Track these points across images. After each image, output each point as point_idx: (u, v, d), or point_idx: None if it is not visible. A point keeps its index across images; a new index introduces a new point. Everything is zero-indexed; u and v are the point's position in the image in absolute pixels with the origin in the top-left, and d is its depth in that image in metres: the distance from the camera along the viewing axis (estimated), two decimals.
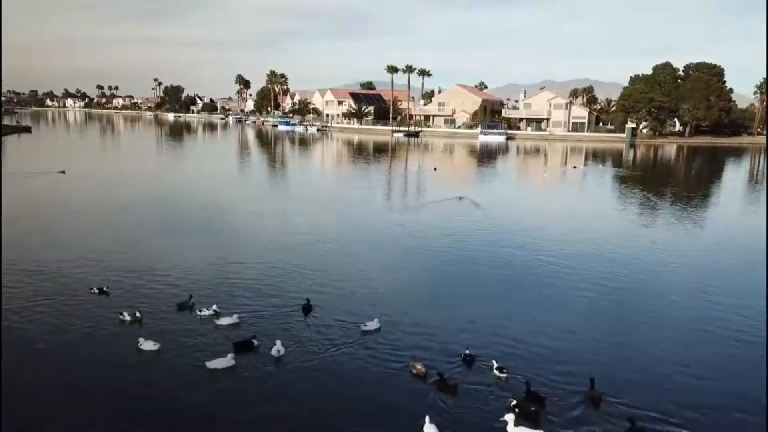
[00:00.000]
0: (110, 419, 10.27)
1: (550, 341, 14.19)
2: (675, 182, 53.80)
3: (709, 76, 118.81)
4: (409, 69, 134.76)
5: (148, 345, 12.59)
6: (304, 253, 21.68)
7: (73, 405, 10.70)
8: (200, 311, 14.57)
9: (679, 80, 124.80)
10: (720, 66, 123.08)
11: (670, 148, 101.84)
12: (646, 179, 54.59)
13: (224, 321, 14.06)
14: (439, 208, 33.54)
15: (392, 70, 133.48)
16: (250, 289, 16.90)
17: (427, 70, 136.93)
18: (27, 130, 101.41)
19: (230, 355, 12.01)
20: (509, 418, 9.93)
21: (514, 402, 10.67)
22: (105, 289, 15.91)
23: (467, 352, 12.87)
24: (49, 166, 45.28)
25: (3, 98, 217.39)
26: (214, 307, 14.63)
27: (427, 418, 10.14)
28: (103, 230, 24.51)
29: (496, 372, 12.07)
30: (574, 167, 63.75)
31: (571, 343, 14.22)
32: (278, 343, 12.62)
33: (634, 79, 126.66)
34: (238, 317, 14.27)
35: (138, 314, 14.14)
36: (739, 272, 21.31)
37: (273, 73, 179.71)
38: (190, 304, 15.13)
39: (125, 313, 14.09)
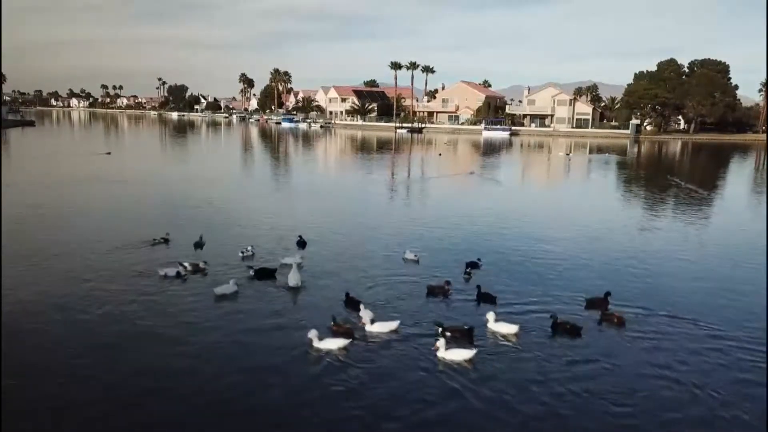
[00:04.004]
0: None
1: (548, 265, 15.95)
2: (673, 168, 54.14)
3: (714, 73, 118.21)
4: (413, 66, 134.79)
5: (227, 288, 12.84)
6: (325, 208, 24.61)
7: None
8: (242, 252, 15.76)
9: (683, 77, 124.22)
10: (725, 62, 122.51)
11: (674, 144, 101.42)
12: (647, 164, 55.33)
13: (288, 260, 14.82)
14: (450, 180, 37.07)
15: (396, 66, 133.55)
16: (290, 237, 18.18)
17: (430, 67, 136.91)
18: (31, 123, 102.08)
19: (232, 281, 12.83)
20: (441, 343, 10.00)
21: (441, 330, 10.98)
22: (167, 236, 17.16)
23: (478, 259, 15.24)
24: (96, 149, 52.47)
25: (8, 98, 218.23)
26: (249, 247, 16.04)
27: (361, 306, 11.52)
28: (153, 197, 27.00)
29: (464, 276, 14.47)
30: (568, 155, 66.48)
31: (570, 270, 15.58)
32: (291, 277, 13.44)
33: (639, 76, 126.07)
34: (300, 257, 15.27)
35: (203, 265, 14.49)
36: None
37: (276, 71, 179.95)
38: (203, 242, 16.71)
39: (186, 264, 14.24)
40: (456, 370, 9.50)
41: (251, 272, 13.89)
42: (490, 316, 11.23)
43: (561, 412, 8.39)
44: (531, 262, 16.23)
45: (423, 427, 7.97)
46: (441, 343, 9.93)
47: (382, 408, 8.38)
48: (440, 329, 10.73)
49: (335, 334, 10.58)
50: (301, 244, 17.04)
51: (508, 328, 10.95)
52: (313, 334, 10.18)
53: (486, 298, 12.59)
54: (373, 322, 11.07)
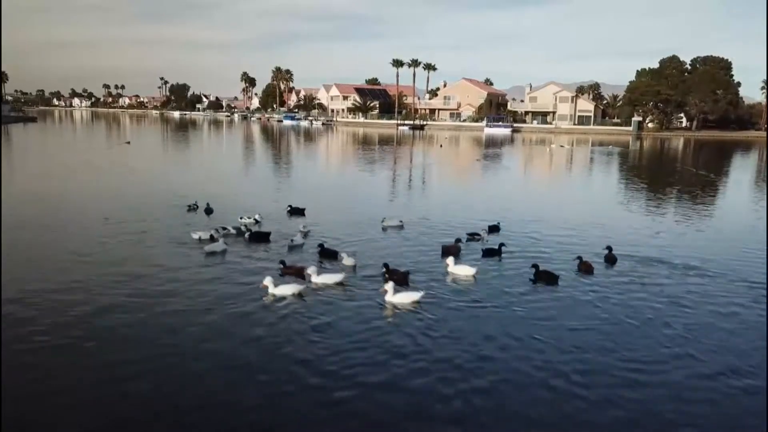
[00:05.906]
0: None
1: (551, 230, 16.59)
2: (677, 160, 54.19)
3: (717, 70, 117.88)
4: (415, 63, 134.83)
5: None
6: (328, 188, 26.48)
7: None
8: (241, 218, 16.52)
9: (685, 74, 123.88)
10: (727, 59, 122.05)
11: (676, 141, 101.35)
12: (651, 157, 56.35)
13: (300, 227, 15.84)
14: (457, 167, 39.38)
15: (398, 64, 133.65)
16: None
17: (432, 65, 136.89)
18: (33, 120, 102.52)
19: (221, 240, 13.91)
20: (389, 287, 10.24)
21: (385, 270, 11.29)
22: (196, 204, 18.95)
23: (498, 223, 16.00)
24: (114, 141, 57.39)
25: (10, 98, 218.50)
26: (256, 215, 16.90)
27: (345, 254, 12.31)
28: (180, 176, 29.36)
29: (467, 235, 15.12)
30: (563, 146, 68.29)
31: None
32: (298, 234, 14.68)
33: (641, 73, 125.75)
34: (305, 227, 16.01)
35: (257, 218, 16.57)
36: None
37: (278, 69, 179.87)
38: (211, 208, 18.34)
39: (221, 228, 15.25)
40: (407, 312, 9.66)
41: (246, 235, 14.87)
42: (450, 260, 11.87)
43: (515, 346, 8.66)
44: (542, 226, 16.83)
45: (379, 372, 7.79)
46: (389, 286, 10.05)
47: (336, 352, 8.30)
48: (384, 270, 11.00)
49: (285, 275, 11.16)
50: (298, 211, 18.12)
51: (467, 271, 11.62)
52: (268, 280, 10.41)
53: (490, 253, 13.39)
54: (354, 269, 11.73)
